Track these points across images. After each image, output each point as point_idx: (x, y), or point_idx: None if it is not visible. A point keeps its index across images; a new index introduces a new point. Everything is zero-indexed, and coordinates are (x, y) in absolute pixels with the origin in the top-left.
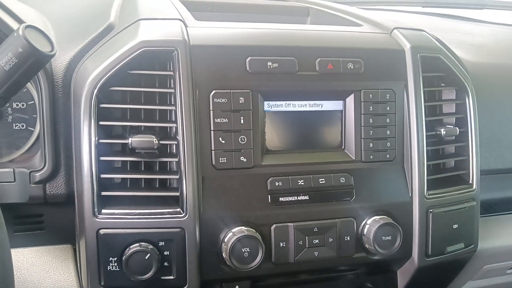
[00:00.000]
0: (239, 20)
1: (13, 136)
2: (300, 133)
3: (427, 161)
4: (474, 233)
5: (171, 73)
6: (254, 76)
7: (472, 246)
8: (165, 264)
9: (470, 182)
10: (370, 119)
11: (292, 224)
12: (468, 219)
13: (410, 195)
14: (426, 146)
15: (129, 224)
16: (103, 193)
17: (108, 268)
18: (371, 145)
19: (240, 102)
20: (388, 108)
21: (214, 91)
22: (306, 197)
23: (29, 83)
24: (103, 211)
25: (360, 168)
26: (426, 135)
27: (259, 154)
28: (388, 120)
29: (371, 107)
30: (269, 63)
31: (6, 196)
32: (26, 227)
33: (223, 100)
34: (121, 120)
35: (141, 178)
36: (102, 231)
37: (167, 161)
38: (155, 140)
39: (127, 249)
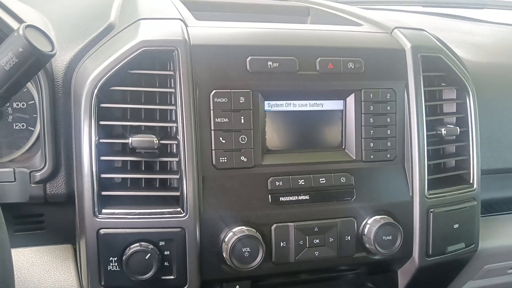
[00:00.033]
0: (239, 20)
1: (14, 136)
2: (300, 132)
3: (427, 160)
4: (474, 233)
5: (172, 72)
6: (254, 75)
7: (473, 246)
8: (166, 264)
9: (471, 181)
10: (371, 119)
11: (292, 224)
12: (469, 219)
13: (410, 194)
14: (427, 146)
15: (130, 224)
16: (104, 193)
17: (109, 268)
18: (371, 144)
19: (241, 101)
20: (388, 108)
21: (214, 91)
22: (307, 197)
23: (29, 83)
24: (104, 211)
25: (361, 168)
26: (427, 135)
27: (260, 153)
28: (388, 120)
29: (371, 107)
30: (270, 63)
31: (7, 196)
32: (26, 227)
33: (224, 100)
34: (121, 120)
35: (142, 178)
36: (102, 231)
37: (167, 161)
38: (156, 140)
39: (128, 249)
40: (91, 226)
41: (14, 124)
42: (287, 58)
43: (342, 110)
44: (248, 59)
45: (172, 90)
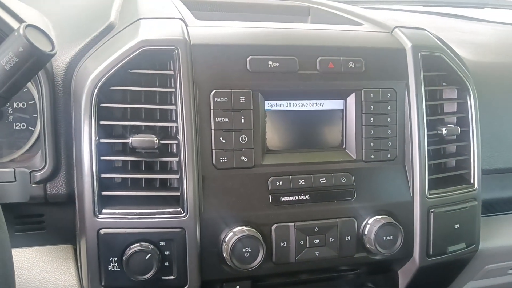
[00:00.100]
0: (239, 19)
1: (14, 136)
2: (301, 132)
3: (428, 160)
4: (475, 233)
5: (172, 72)
6: (254, 75)
7: (474, 246)
8: (166, 264)
9: (472, 181)
10: (371, 119)
11: (293, 224)
12: (470, 219)
13: (411, 194)
14: (427, 146)
15: (130, 224)
16: (104, 193)
17: (109, 268)
18: (372, 144)
19: (241, 101)
20: (389, 107)
21: (214, 91)
22: (307, 197)
23: (29, 83)
24: (104, 211)
25: (361, 168)
26: (427, 135)
27: (260, 153)
28: (389, 120)
29: (372, 106)
30: (270, 62)
31: (7, 196)
32: (26, 227)
33: (224, 100)
34: (121, 120)
35: (142, 178)
36: (102, 231)
37: (167, 161)
38: (156, 140)
39: (128, 249)
40: (91, 226)
41: (15, 124)
42: (288, 57)
43: (343, 110)
44: (248, 59)
45: (172, 89)
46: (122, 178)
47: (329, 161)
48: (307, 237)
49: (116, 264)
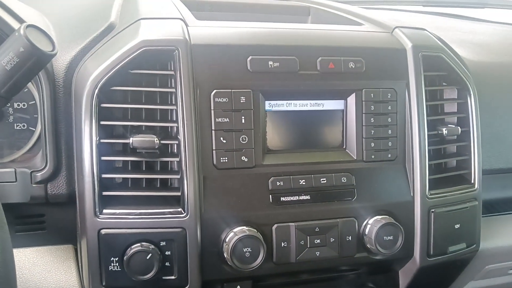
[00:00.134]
0: (240, 20)
1: (14, 136)
2: (301, 132)
3: (428, 160)
4: (476, 233)
5: (172, 72)
6: (255, 75)
7: (474, 246)
8: (167, 264)
9: (472, 181)
10: (372, 119)
11: (293, 224)
12: (470, 219)
13: (411, 194)
14: (428, 146)
15: (131, 224)
16: (104, 193)
17: (110, 268)
18: (372, 144)
19: (241, 101)
20: (389, 108)
21: (215, 91)
22: (308, 197)
23: (30, 83)
24: (104, 211)
25: (362, 168)
26: (428, 135)
27: (260, 153)
28: (389, 120)
29: (372, 107)
30: (270, 63)
31: (8, 196)
32: (27, 227)
33: (224, 100)
34: (122, 120)
35: (142, 178)
36: (103, 231)
37: (168, 161)
38: (156, 140)
39: (129, 249)
40: (92, 226)
41: (15, 124)
42: (288, 57)
43: (343, 110)
44: (248, 59)
45: (173, 90)
46: (123, 178)
47: (330, 161)
48: (308, 237)
49: (117, 264)
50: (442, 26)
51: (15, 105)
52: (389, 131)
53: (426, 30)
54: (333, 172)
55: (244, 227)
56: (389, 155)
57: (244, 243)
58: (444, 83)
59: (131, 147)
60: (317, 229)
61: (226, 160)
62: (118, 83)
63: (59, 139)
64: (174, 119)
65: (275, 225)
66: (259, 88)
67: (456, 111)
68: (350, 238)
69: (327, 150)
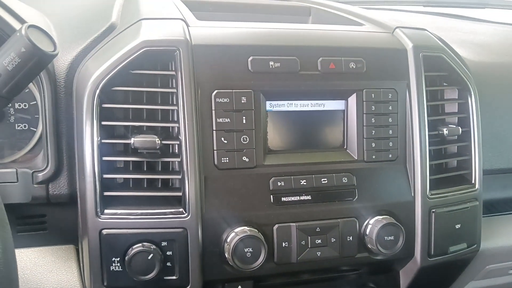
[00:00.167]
0: (240, 20)
1: (16, 137)
2: (302, 133)
3: (429, 160)
4: (476, 233)
5: (173, 73)
6: (256, 75)
7: (475, 246)
8: (168, 264)
9: (473, 182)
10: (372, 119)
11: (294, 224)
12: (471, 219)
13: (412, 195)
14: (429, 146)
15: (132, 224)
16: (106, 193)
17: (111, 268)
18: (373, 144)
19: (242, 101)
20: (390, 108)
21: (216, 91)
22: (309, 197)
23: (31, 84)
24: (106, 211)
25: (363, 168)
26: (429, 135)
27: (261, 154)
28: (390, 120)
29: (373, 107)
30: (271, 63)
31: (9, 196)
32: (29, 227)
33: (225, 100)
34: (123, 120)
35: (144, 178)
36: (104, 231)
37: (169, 161)
38: (158, 140)
39: (130, 249)
40: (93, 226)
41: (16, 124)
42: (289, 58)
43: (344, 110)
44: (249, 59)
45: (174, 90)
46: (124, 178)
47: (331, 162)
48: (309, 237)
49: (118, 264)
50: (443, 27)
51: (16, 105)
52: (390, 131)
53: (427, 31)
54: (334, 172)
55: (245, 227)
56: (390, 155)
57: (245, 243)
58: (444, 83)
59: (132, 147)
60: (318, 229)
61: (227, 160)
62: (119, 83)
63: (60, 139)
64: (175, 120)
65: (276, 225)
66: (260, 88)
67: (456, 111)
68: (351, 238)
69: (328, 150)
